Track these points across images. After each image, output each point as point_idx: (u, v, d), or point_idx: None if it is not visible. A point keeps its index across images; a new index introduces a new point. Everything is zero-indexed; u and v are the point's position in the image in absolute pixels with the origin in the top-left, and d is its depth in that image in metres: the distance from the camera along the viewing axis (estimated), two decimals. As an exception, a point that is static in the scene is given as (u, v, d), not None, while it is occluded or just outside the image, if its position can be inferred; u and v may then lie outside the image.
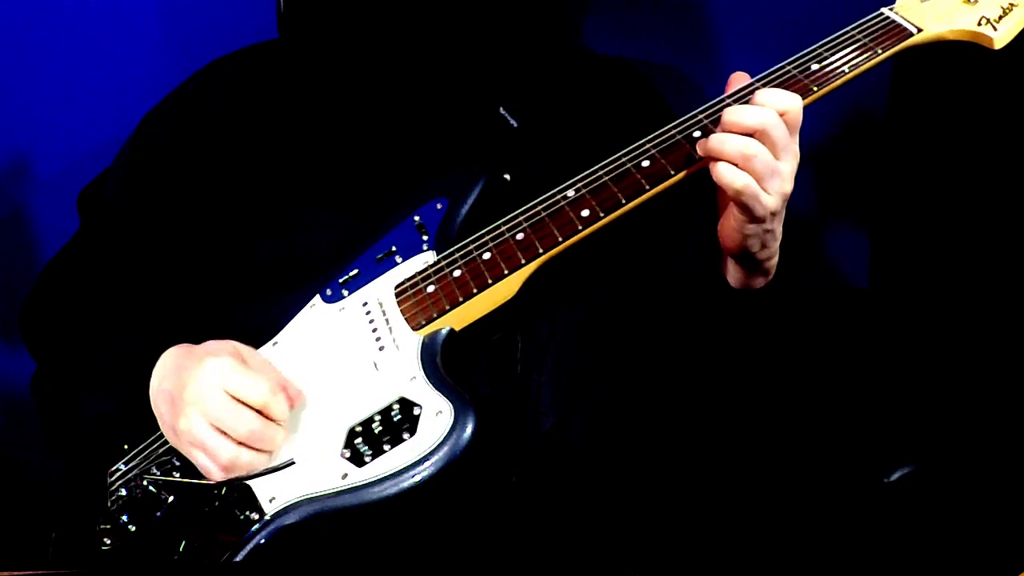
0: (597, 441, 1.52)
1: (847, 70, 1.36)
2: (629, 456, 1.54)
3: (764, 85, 1.36)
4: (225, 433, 1.30)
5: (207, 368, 1.32)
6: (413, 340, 1.36)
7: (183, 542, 1.32)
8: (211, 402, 1.30)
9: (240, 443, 1.30)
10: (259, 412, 1.31)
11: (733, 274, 1.40)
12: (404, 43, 1.48)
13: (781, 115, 1.29)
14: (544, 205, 1.37)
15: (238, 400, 1.31)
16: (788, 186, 1.31)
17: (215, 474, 1.32)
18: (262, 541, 1.28)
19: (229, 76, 1.57)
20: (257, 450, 1.31)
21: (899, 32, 1.37)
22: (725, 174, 1.29)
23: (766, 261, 1.38)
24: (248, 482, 1.31)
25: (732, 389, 1.67)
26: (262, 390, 1.31)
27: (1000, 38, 1.36)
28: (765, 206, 1.30)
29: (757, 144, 1.28)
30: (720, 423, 1.69)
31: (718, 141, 1.30)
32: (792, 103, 1.30)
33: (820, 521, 1.67)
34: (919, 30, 1.37)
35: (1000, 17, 1.36)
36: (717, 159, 1.29)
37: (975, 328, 1.77)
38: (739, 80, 1.38)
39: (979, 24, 1.36)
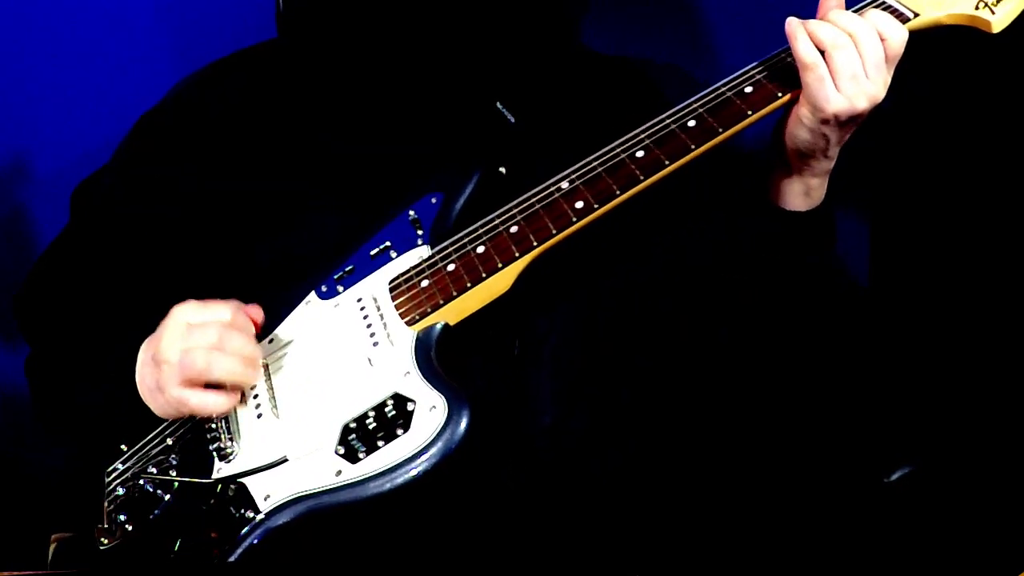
0: (596, 437, 1.51)
1: None
2: (629, 453, 1.54)
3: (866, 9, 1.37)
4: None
5: (172, 316, 1.36)
6: (407, 335, 1.36)
7: (180, 540, 1.31)
8: (178, 336, 1.34)
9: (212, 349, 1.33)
10: None
11: (783, 193, 1.43)
12: (401, 40, 1.48)
13: (881, 39, 1.31)
14: (538, 197, 1.37)
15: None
16: (860, 103, 1.32)
17: (198, 401, 1.34)
18: (257, 539, 1.27)
19: (227, 77, 1.57)
20: (232, 357, 1.33)
21: (897, 17, 1.35)
22: (802, 45, 1.31)
23: (814, 177, 1.41)
24: (243, 480, 1.31)
25: (733, 387, 1.67)
26: (220, 311, 1.35)
27: (998, 21, 1.35)
28: (829, 99, 1.31)
29: (848, 40, 1.30)
30: (721, 422, 1.68)
31: (813, 24, 1.32)
32: (894, 32, 1.32)
33: (820, 521, 1.66)
34: (916, 15, 1.36)
35: (998, 0, 1.35)
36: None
37: (975, 328, 1.76)
38: None
39: (976, 8, 1.35)
